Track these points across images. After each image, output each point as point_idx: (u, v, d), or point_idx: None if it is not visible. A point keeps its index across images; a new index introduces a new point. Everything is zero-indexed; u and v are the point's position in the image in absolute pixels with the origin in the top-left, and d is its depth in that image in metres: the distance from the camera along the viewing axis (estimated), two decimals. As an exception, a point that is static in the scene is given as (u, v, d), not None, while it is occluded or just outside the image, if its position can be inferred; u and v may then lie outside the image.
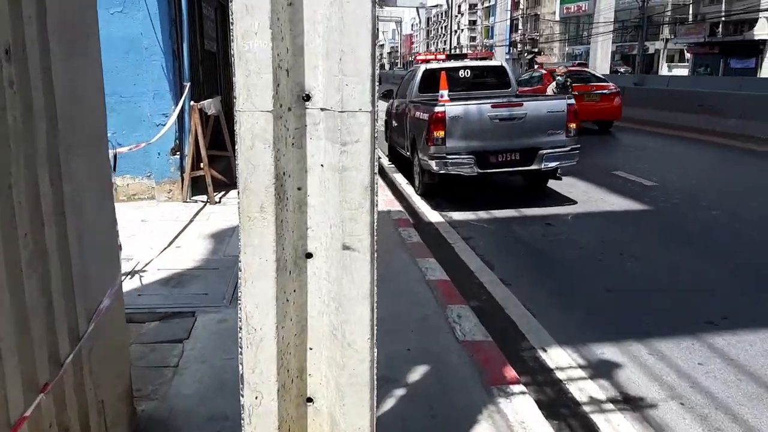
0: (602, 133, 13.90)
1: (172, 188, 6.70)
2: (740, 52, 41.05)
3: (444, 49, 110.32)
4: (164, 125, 6.49)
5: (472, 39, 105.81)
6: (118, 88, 6.44)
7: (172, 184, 6.70)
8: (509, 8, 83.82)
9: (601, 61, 54.55)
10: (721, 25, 47.71)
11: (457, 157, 6.91)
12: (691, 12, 51.65)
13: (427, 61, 9.20)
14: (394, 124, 9.94)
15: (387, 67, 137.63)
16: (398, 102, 9.62)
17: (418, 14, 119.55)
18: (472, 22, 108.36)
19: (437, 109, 6.89)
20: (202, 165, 6.59)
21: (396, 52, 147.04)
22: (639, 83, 26.76)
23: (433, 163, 6.99)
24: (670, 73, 45.12)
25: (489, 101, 7.23)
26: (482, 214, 6.87)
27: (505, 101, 7.20)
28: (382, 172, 9.98)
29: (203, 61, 8.41)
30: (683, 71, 45.87)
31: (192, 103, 6.42)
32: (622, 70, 57.98)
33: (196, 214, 6.26)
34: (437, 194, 7.79)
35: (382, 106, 10.86)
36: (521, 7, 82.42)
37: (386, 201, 6.94)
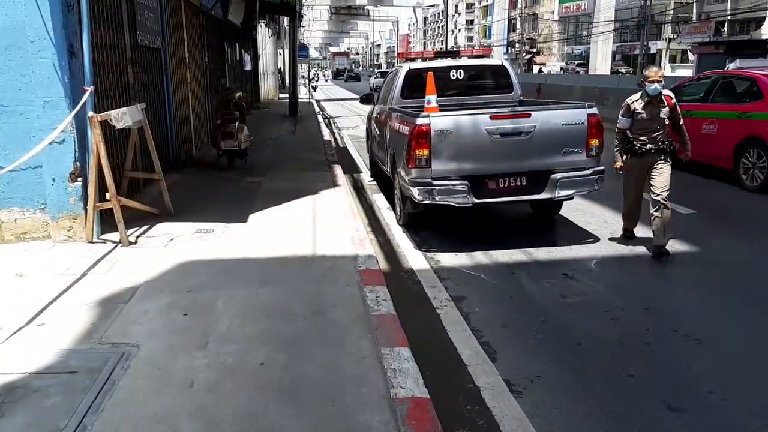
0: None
1: (73, 224, 5.12)
2: (747, 52, 39.52)
3: (441, 49, 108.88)
4: (60, 142, 4.91)
5: (470, 39, 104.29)
6: (-5, 94, 4.87)
7: (72, 219, 5.11)
8: (507, 8, 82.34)
9: (601, 62, 53.04)
10: (726, 24, 46.19)
11: (447, 183, 5.35)
12: (694, 11, 50.13)
13: (412, 60, 7.68)
14: (375, 134, 8.38)
15: (384, 67, 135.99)
16: (379, 109, 8.06)
17: (415, 14, 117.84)
18: (470, 22, 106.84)
19: (420, 121, 5.32)
20: (108, 194, 5.00)
21: (393, 52, 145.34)
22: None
23: (415, 191, 5.42)
24: (674, 74, 43.58)
25: (487, 111, 5.66)
26: (480, 257, 5.30)
27: (508, 111, 5.63)
28: (360, 192, 8.42)
29: (133, 60, 6.82)
30: (687, 71, 44.33)
31: (91, 114, 4.83)
32: (623, 70, 56.55)
33: (96, 262, 4.67)
34: (423, 225, 6.24)
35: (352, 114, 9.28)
36: (519, 6, 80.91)
37: (356, 239, 5.37)
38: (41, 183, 5.05)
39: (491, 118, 5.38)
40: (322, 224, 5.92)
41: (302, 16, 39.87)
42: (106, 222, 5.25)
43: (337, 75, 78.23)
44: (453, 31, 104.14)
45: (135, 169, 6.32)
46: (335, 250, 5.08)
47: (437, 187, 5.34)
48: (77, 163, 5.03)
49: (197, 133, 10.69)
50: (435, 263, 5.21)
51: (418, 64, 7.37)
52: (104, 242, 5.16)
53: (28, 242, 5.13)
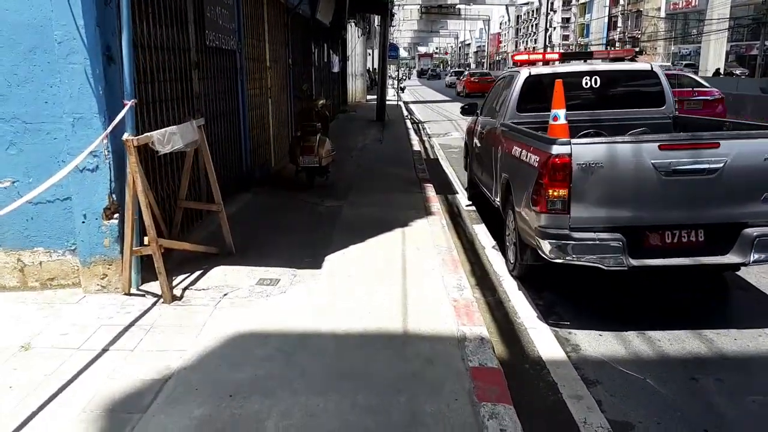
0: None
1: (107, 271, 4.10)
2: None
3: (534, 48, 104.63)
4: (93, 169, 3.90)
5: (565, 38, 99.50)
6: (18, 108, 3.92)
7: (107, 265, 4.09)
8: (608, 4, 77.45)
9: (713, 62, 48.26)
10: None
11: (592, 236, 3.85)
12: (831, 4, 44.42)
13: (531, 64, 6.17)
14: (478, 151, 6.96)
15: (473, 66, 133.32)
16: (485, 122, 6.62)
17: (507, 12, 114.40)
18: (566, 20, 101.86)
19: (557, 149, 3.86)
20: (146, 239, 3.93)
21: (483, 52, 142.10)
22: None
23: (545, 244, 3.96)
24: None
25: (652, 137, 4.11)
26: (636, 342, 3.76)
27: (688, 139, 3.99)
28: (457, 219, 7.02)
29: (200, 64, 5.80)
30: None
31: (126, 136, 3.76)
32: (738, 72, 51.29)
33: (125, 329, 3.60)
34: (545, 279, 4.76)
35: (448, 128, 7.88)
36: (621, 3, 75.86)
37: (461, 304, 4.00)
38: (70, 219, 4.07)
39: (661, 147, 3.81)
40: (415, 274, 4.59)
41: (393, 15, 38.87)
42: (151, 267, 4.19)
43: (421, 74, 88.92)
44: (547, 29, 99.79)
45: (192, 197, 5.28)
46: (433, 321, 3.73)
47: (578, 242, 3.85)
48: (113, 195, 4.00)
49: (277, 144, 9.71)
50: (572, 349, 3.73)
51: (540, 69, 5.85)
52: (144, 295, 4.10)
53: (55, 290, 4.16)
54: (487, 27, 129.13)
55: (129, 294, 4.08)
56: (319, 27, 15.09)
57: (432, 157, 12.12)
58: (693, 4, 62.03)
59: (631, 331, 3.91)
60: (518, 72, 5.81)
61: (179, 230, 5.03)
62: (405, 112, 22.84)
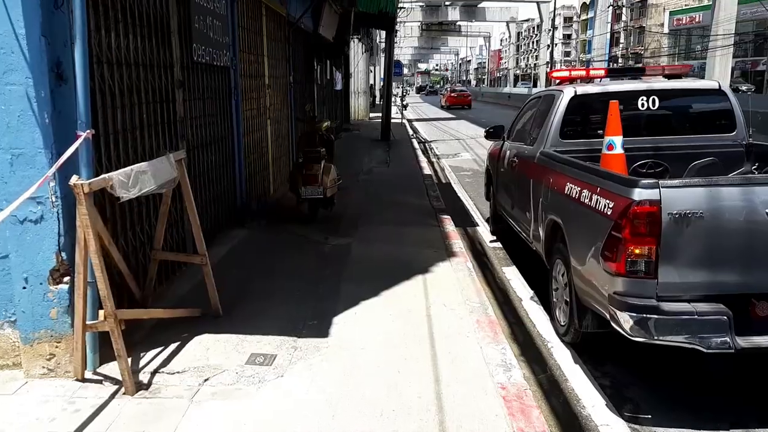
0: None
1: (55, 350, 3.18)
2: None
3: (536, 64, 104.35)
4: (36, 221, 3.01)
5: (567, 54, 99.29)
6: (-63, 142, 3.03)
7: (55, 343, 3.17)
8: (610, 20, 77.21)
9: (719, 78, 47.74)
10: None
11: (687, 308, 2.94)
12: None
13: (571, 81, 5.29)
14: (506, 180, 6.08)
15: (473, 83, 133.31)
16: (515, 148, 5.73)
17: (508, 29, 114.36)
18: (567, 36, 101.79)
19: (641, 195, 2.95)
20: (102, 312, 3.01)
21: (483, 68, 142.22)
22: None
23: (624, 317, 3.03)
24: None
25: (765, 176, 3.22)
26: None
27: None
28: (482, 259, 6.11)
29: (185, 83, 4.93)
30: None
31: (74, 180, 2.85)
32: (744, 88, 50.66)
33: (68, 441, 2.67)
34: (605, 348, 3.84)
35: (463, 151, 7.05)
36: (624, 19, 75.68)
37: (511, 393, 3.08)
38: (8, 283, 3.15)
39: (781, 191, 2.92)
40: (446, 344, 3.67)
41: (396, 31, 38.27)
42: (108, 342, 3.26)
43: (419, 90, 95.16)
44: (549, 46, 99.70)
45: (174, 242, 4.38)
46: (479, 424, 2.81)
47: (669, 317, 2.94)
48: (63, 254, 3.09)
49: (276, 169, 8.84)
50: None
51: (586, 88, 4.96)
52: (101, 381, 3.17)
53: (-12, 374, 3.24)
54: (487, 44, 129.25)
55: (83, 380, 3.16)
56: (322, 43, 14.31)
57: (444, 181, 11.23)
58: (697, 20, 61.75)
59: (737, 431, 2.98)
60: (560, 92, 4.92)
61: (155, 285, 4.12)
62: (410, 131, 22.04)
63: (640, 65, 71.19)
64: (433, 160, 14.45)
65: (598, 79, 5.53)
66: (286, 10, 9.37)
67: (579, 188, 3.67)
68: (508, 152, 6.03)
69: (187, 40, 4.97)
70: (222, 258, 5.38)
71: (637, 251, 2.98)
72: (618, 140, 4.26)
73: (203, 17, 5.27)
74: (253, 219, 6.73)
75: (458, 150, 16.53)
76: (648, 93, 4.78)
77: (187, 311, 3.89)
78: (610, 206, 3.15)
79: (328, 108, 16.15)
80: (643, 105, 4.77)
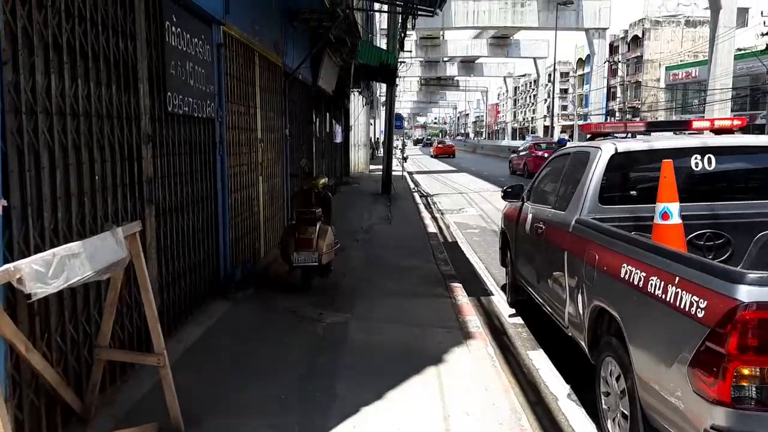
0: None
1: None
2: None
3: (533, 117, 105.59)
4: None
5: (564, 108, 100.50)
6: None
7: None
8: (606, 75, 78.49)
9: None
10: None
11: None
12: (837, 75, 44.36)
13: (607, 135, 4.57)
14: (528, 248, 5.30)
15: (472, 136, 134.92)
16: (540, 212, 4.96)
17: (505, 83, 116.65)
18: (563, 90, 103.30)
19: (749, 294, 2.14)
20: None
21: (481, 121, 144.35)
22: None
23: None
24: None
25: None
26: None
27: None
28: (503, 339, 5.24)
29: (156, 137, 4.19)
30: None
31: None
32: (742, 140, 50.76)
33: None
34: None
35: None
36: (620, 74, 76.89)
37: None
38: None
39: None
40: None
41: (396, 85, 38.31)
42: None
43: (416, 142, 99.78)
44: (546, 100, 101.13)
45: (129, 330, 3.52)
46: None
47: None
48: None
49: (268, 229, 8.06)
50: None
51: (629, 144, 4.22)
52: None
53: None
54: (485, 98, 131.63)
55: None
56: (321, 95, 13.83)
57: (450, 240, 10.44)
58: (693, 74, 62.60)
59: None
60: (597, 148, 4.18)
61: (104, 387, 3.26)
62: (411, 184, 21.45)
63: (686, 118, 71.61)
64: (437, 215, 13.71)
65: (627, 134, 4.83)
66: (282, 60, 8.82)
67: (644, 273, 2.85)
68: (530, 216, 5.25)
69: (160, 88, 4.27)
70: (194, 343, 4.51)
71: (746, 372, 2.15)
72: (674, 208, 3.50)
73: (181, 63, 4.60)
74: (238, 289, 5.88)
75: (462, 205, 15.83)
76: (702, 150, 4.04)
77: (139, 430, 3.00)
78: (702, 306, 2.33)
79: (327, 161, 15.55)
80: (697, 164, 4.02)
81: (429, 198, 17.71)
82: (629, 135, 4.75)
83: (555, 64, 48.35)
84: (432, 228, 10.94)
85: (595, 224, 3.74)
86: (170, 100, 4.39)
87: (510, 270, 6.18)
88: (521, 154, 26.74)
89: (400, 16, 16.81)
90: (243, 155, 6.78)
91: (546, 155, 28.36)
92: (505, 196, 5.92)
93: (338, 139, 18.04)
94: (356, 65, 14.09)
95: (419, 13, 10.15)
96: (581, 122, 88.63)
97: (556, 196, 4.71)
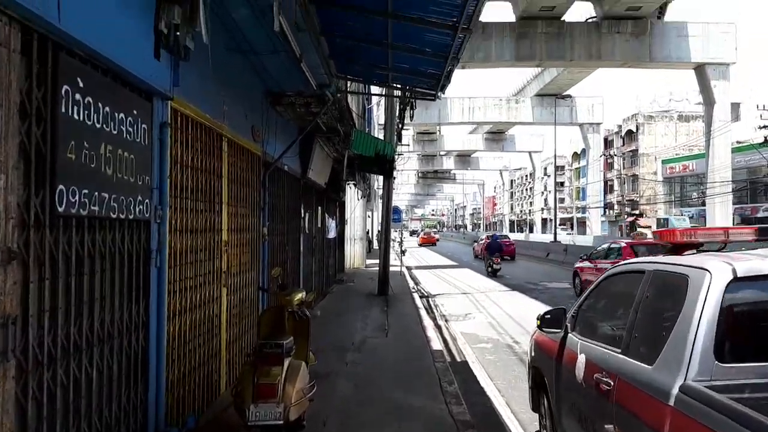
0: None
1: None
2: None
3: (531, 210, 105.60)
4: None
5: (561, 201, 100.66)
6: None
7: None
8: (602, 168, 79.11)
9: (721, 224, 46.94)
10: None
11: None
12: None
13: (697, 247, 3.17)
14: (579, 402, 3.70)
15: (469, 228, 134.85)
16: (598, 355, 3.43)
17: (502, 177, 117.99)
18: (560, 184, 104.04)
19: None
20: None
21: (479, 213, 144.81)
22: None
23: None
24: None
25: None
26: None
27: None
28: None
29: (33, 250, 2.74)
30: None
31: None
32: (748, 235, 49.89)
33: None
34: None
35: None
36: (616, 167, 77.49)
37: None
38: None
39: None
40: None
41: (394, 178, 37.68)
42: None
43: (412, 233, 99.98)
44: (543, 193, 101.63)
45: None
46: None
47: None
48: None
49: (233, 354, 6.45)
50: None
51: (747, 264, 2.78)
52: None
53: None
54: (481, 190, 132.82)
55: None
56: (312, 188, 12.64)
57: (459, 359, 8.75)
58: (690, 168, 62.88)
59: None
60: (701, 271, 2.72)
61: None
62: (410, 281, 19.88)
63: (636, 212, 71.34)
64: (441, 323, 12.04)
65: (725, 243, 3.39)
66: (262, 148, 7.60)
67: None
68: (581, 357, 3.70)
69: (45, 179, 2.88)
70: None
71: None
72: None
73: (91, 144, 3.24)
74: (173, 454, 4.20)
75: (468, 308, 14.18)
76: None
77: None
78: None
79: (318, 259, 14.10)
80: None
81: (430, 299, 16.09)
82: (723, 247, 3.32)
83: (555, 158, 48.39)
84: (436, 342, 9.29)
85: (730, 407, 2.21)
86: (63, 196, 2.99)
87: (549, 424, 4.53)
88: (480, 242, 30.49)
89: (398, 105, 16.05)
90: (199, 264, 5.33)
91: (506, 243, 28.93)
92: (543, 324, 4.38)
93: (331, 234, 16.71)
94: (350, 156, 13.02)
95: (420, 97, 9.04)
96: (579, 215, 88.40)
97: (628, 333, 3.20)
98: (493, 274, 22.37)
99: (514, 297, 16.24)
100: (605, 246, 17.44)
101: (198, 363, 5.30)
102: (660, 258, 3.23)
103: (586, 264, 16.89)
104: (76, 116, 3.11)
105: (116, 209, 3.56)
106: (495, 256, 22.91)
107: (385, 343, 9.13)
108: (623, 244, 16.05)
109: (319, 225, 14.20)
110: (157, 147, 4.22)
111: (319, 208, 14.20)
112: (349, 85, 9.95)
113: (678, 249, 3.21)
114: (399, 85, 8.92)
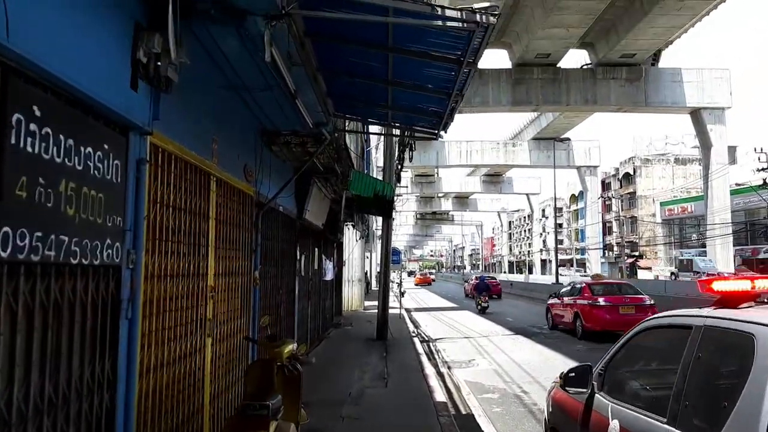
0: None
1: None
2: None
3: (529, 252, 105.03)
4: None
5: (560, 242, 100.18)
6: None
7: None
8: (600, 210, 79.04)
9: (724, 266, 46.51)
10: None
11: None
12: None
13: (756, 299, 2.73)
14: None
15: (468, 269, 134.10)
16: (636, 423, 2.95)
17: (500, 218, 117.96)
18: (558, 225, 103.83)
19: None
20: None
21: (477, 254, 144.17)
22: None
23: None
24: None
25: None
26: None
27: None
28: None
29: None
30: None
31: None
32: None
33: None
34: None
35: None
36: (614, 209, 77.39)
37: None
38: None
39: None
40: None
41: (393, 219, 37.37)
42: None
43: (410, 274, 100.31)
44: (541, 234, 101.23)
45: None
46: None
47: None
48: None
49: (219, 409, 5.90)
50: None
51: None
52: None
53: None
54: (480, 231, 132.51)
55: None
56: (309, 229, 12.23)
57: (464, 411, 8.15)
58: (689, 210, 62.77)
59: None
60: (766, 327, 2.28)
61: None
62: (409, 324, 19.25)
63: (636, 254, 70.73)
64: (443, 370, 11.43)
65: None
66: (255, 188, 7.24)
67: None
68: (614, 423, 3.20)
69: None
70: None
71: None
72: None
73: (48, 181, 2.84)
74: None
75: (471, 354, 13.57)
76: None
77: None
78: None
79: (314, 302, 13.57)
80: None
81: (431, 344, 15.46)
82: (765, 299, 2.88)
83: (555, 200, 48.21)
84: (439, 393, 8.70)
85: None
86: (8, 239, 2.56)
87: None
88: (470, 282, 31.50)
89: (398, 145, 15.81)
90: (181, 312, 4.86)
91: (493, 284, 29.02)
92: (568, 384, 3.86)
93: (329, 276, 16.21)
94: (349, 197, 12.66)
95: (420, 137, 8.74)
96: (579, 256, 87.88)
97: (675, 400, 2.71)
98: (482, 312, 24.83)
99: (518, 341, 15.63)
100: (569, 285, 19.47)
101: (178, 422, 4.77)
102: (710, 311, 2.78)
103: (556, 301, 18.42)
104: (29, 149, 2.72)
105: (78, 254, 3.13)
106: (483, 294, 25.58)
107: (384, 394, 8.55)
108: (583, 285, 17.60)
109: (316, 267, 13.73)
110: (132, 185, 3.82)
111: (316, 249, 13.76)
112: (347, 124, 9.67)
113: (730, 300, 2.76)
114: (399, 124, 8.61)
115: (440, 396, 8.53)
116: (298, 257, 11.00)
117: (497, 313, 24.38)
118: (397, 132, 13.33)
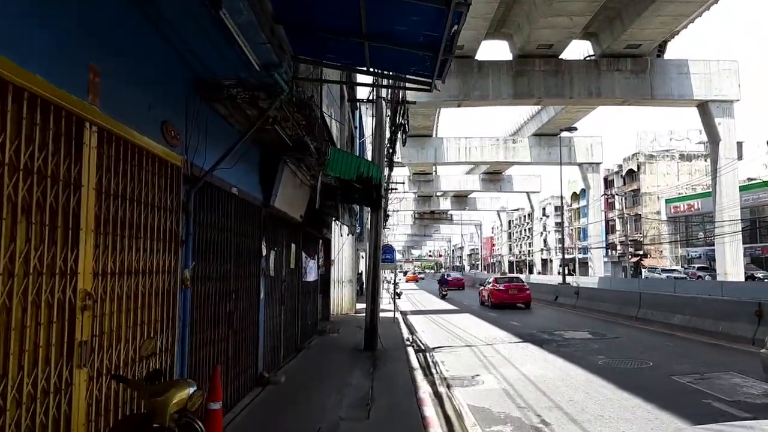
0: None
1: None
2: None
3: (530, 251, 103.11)
4: None
5: (560, 241, 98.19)
6: None
7: None
8: (603, 208, 77.03)
9: (732, 264, 44.55)
10: None
11: None
12: None
13: None
14: None
15: (467, 269, 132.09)
16: None
17: (499, 217, 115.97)
18: (558, 224, 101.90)
19: None
20: None
21: (477, 254, 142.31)
22: None
23: None
24: None
25: None
26: None
27: None
28: None
29: None
30: None
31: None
32: (760, 275, 47.57)
33: None
34: None
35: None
36: (618, 207, 75.45)
37: None
38: None
39: None
40: None
41: (388, 216, 35.46)
42: None
43: (405, 274, 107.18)
44: (542, 233, 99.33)
45: None
46: None
47: None
48: None
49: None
50: None
51: None
52: None
53: None
54: (479, 231, 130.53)
55: None
56: (283, 221, 10.30)
57: (468, 455, 6.21)
58: (695, 207, 60.87)
59: None
60: None
61: None
62: (404, 330, 17.29)
63: (641, 252, 68.76)
64: (442, 390, 9.44)
65: None
66: (183, 157, 5.30)
67: None
68: None
69: None
70: None
71: None
72: None
73: None
74: None
75: (474, 368, 11.57)
76: None
77: None
78: None
79: (290, 307, 11.61)
80: None
81: (428, 354, 13.47)
82: None
83: (561, 198, 46.46)
84: (436, 426, 6.73)
85: None
86: None
87: None
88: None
89: (387, 105, 13.80)
90: (25, 331, 2.91)
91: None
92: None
93: (311, 277, 14.23)
94: (328, 182, 10.70)
95: (413, 86, 6.80)
96: (581, 255, 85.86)
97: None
98: (443, 297, 36.47)
99: (528, 351, 13.67)
100: (489, 277, 34.10)
101: None
102: None
103: (481, 288, 31.27)
104: None
105: None
106: (443, 286, 38.97)
107: (364, 429, 6.58)
108: (492, 279, 29.98)
109: (292, 266, 11.76)
110: None
111: (293, 245, 11.79)
112: (312, 70, 7.68)
113: None
114: (384, 72, 6.65)
115: (437, 430, 6.57)
116: (265, 254, 9.05)
117: (501, 317, 22.43)
118: (386, 82, 11.34)
